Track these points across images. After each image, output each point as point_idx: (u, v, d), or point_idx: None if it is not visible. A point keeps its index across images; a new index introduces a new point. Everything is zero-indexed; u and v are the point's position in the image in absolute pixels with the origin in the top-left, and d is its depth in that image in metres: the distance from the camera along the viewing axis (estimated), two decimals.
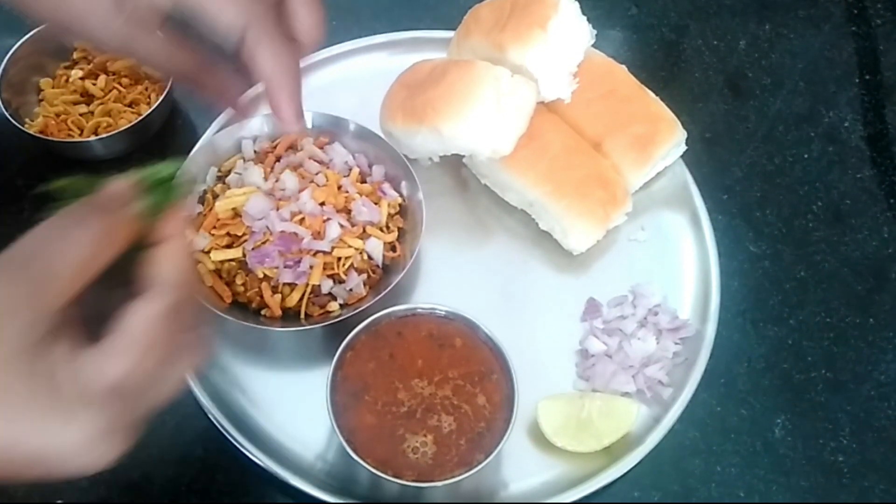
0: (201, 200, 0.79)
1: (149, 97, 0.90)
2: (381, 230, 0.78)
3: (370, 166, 0.83)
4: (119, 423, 0.43)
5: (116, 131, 0.84)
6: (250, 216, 0.75)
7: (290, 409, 0.75)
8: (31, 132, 0.84)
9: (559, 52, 0.80)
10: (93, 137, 0.85)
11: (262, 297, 0.74)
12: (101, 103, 0.88)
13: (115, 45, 0.61)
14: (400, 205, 0.81)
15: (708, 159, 0.91)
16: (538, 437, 0.73)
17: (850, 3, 1.05)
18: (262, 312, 0.75)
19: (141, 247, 0.46)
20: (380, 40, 0.94)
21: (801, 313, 0.83)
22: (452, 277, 0.82)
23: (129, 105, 0.89)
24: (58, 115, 0.87)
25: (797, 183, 0.91)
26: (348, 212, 0.78)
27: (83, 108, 0.88)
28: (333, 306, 0.75)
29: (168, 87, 0.87)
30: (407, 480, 0.65)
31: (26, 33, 0.87)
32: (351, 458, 0.65)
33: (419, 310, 0.72)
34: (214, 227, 0.76)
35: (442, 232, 0.83)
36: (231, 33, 0.59)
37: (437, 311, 0.72)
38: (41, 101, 0.89)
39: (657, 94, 0.87)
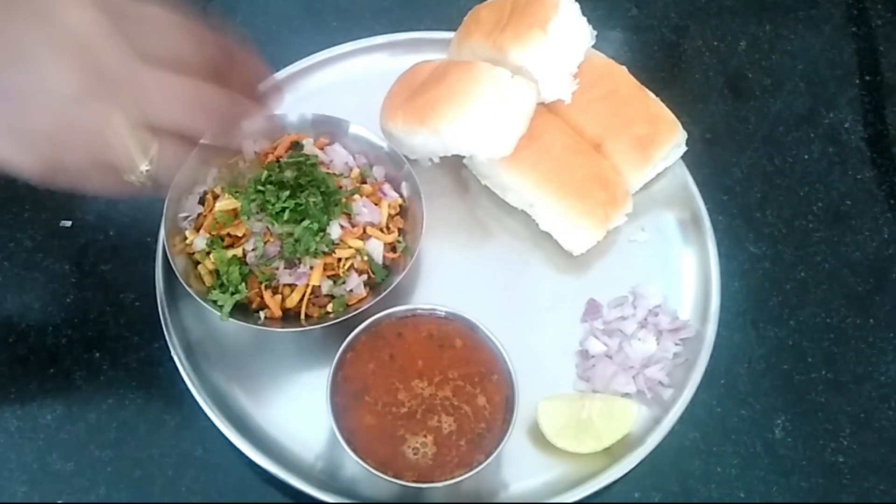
0: (201, 201, 0.79)
1: None
2: (382, 231, 0.78)
3: (370, 167, 0.83)
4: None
5: None
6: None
7: (290, 409, 0.75)
8: None
9: (559, 52, 0.80)
10: None
11: (262, 297, 0.74)
12: None
13: None
14: (400, 205, 0.81)
15: (708, 160, 0.91)
16: (538, 438, 0.73)
17: (850, 4, 1.05)
18: (262, 313, 0.75)
19: None
20: (380, 41, 0.94)
21: (801, 314, 0.83)
22: (452, 278, 0.82)
23: None
24: None
25: (797, 184, 0.91)
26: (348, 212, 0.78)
27: None
28: (333, 307, 0.75)
29: None
30: (407, 481, 0.65)
31: None
32: (351, 458, 0.65)
33: (419, 310, 0.72)
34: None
35: (442, 233, 0.83)
36: None
37: (437, 312, 0.72)
38: None
39: (657, 95, 0.87)
